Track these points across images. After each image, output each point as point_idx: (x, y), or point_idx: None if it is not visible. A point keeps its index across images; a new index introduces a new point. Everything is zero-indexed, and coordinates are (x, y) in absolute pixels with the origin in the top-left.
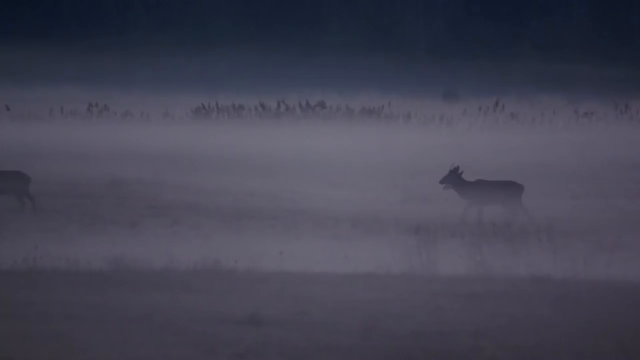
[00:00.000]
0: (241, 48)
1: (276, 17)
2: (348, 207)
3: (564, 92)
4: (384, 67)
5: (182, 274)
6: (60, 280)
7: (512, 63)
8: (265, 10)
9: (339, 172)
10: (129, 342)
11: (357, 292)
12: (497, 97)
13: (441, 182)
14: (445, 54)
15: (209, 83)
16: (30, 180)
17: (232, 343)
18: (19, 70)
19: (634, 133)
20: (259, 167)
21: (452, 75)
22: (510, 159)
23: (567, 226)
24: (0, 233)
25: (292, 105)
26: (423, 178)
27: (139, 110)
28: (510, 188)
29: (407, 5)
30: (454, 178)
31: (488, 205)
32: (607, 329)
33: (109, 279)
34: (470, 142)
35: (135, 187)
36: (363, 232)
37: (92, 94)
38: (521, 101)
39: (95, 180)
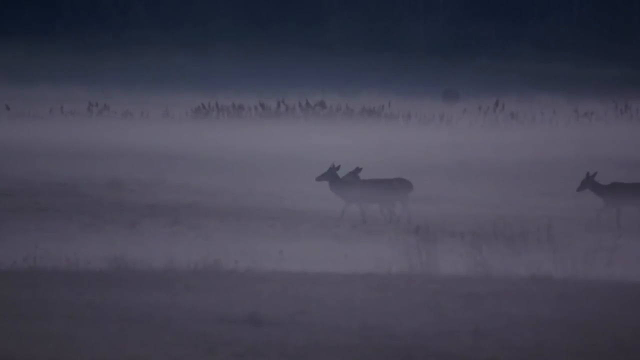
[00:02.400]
0: (241, 48)
1: (276, 17)
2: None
3: (564, 91)
4: (384, 67)
5: (182, 274)
6: (60, 280)
7: (512, 63)
8: (265, 10)
9: (339, 171)
10: (129, 341)
11: (357, 291)
12: (497, 97)
13: (317, 179)
14: (445, 53)
15: (209, 83)
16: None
17: (232, 343)
18: (19, 70)
19: (634, 133)
20: (258, 167)
21: (452, 75)
22: (509, 158)
23: (567, 226)
24: (0, 233)
25: (292, 105)
26: (423, 178)
27: (139, 109)
28: (397, 185)
29: (407, 5)
30: (330, 176)
31: (369, 203)
32: (607, 329)
33: (108, 278)
34: (470, 141)
35: (135, 186)
36: (363, 231)
37: (92, 94)
38: (521, 101)
39: (95, 179)
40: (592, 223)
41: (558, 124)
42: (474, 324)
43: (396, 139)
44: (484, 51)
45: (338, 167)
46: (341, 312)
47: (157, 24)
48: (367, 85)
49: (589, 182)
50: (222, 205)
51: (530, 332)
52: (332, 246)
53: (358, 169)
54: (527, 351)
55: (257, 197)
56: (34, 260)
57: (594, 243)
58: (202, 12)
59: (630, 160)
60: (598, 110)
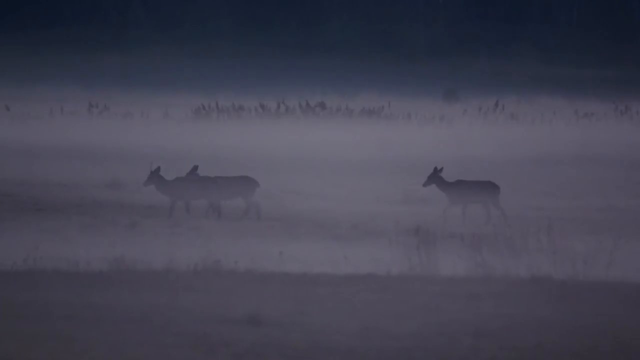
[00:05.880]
0: (241, 49)
1: (276, 18)
2: (348, 207)
3: (564, 92)
4: (384, 68)
5: (182, 275)
6: (60, 281)
7: (512, 64)
8: (266, 11)
9: (339, 172)
10: (129, 342)
11: (357, 292)
12: (497, 98)
13: (144, 184)
14: (445, 54)
15: (209, 84)
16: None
17: (232, 343)
18: (19, 70)
19: (634, 134)
20: (258, 168)
21: (452, 75)
22: (509, 159)
23: (567, 226)
24: (0, 233)
25: (292, 106)
26: (423, 179)
27: (139, 110)
28: (241, 183)
29: (408, 6)
30: (154, 180)
31: (203, 200)
32: (607, 330)
33: (108, 279)
34: (470, 142)
35: (135, 187)
36: (363, 232)
37: (92, 94)
38: (521, 102)
39: (95, 180)
40: (597, 224)
41: (558, 124)
42: (474, 325)
43: (396, 139)
44: (484, 52)
45: (158, 169)
46: (341, 313)
47: (158, 24)
48: (367, 86)
49: (435, 178)
50: (222, 206)
51: (530, 333)
52: (332, 247)
53: (195, 167)
54: (527, 352)
55: (257, 198)
56: (33, 261)
57: (593, 244)
58: (202, 13)
59: (630, 161)
60: (598, 111)
